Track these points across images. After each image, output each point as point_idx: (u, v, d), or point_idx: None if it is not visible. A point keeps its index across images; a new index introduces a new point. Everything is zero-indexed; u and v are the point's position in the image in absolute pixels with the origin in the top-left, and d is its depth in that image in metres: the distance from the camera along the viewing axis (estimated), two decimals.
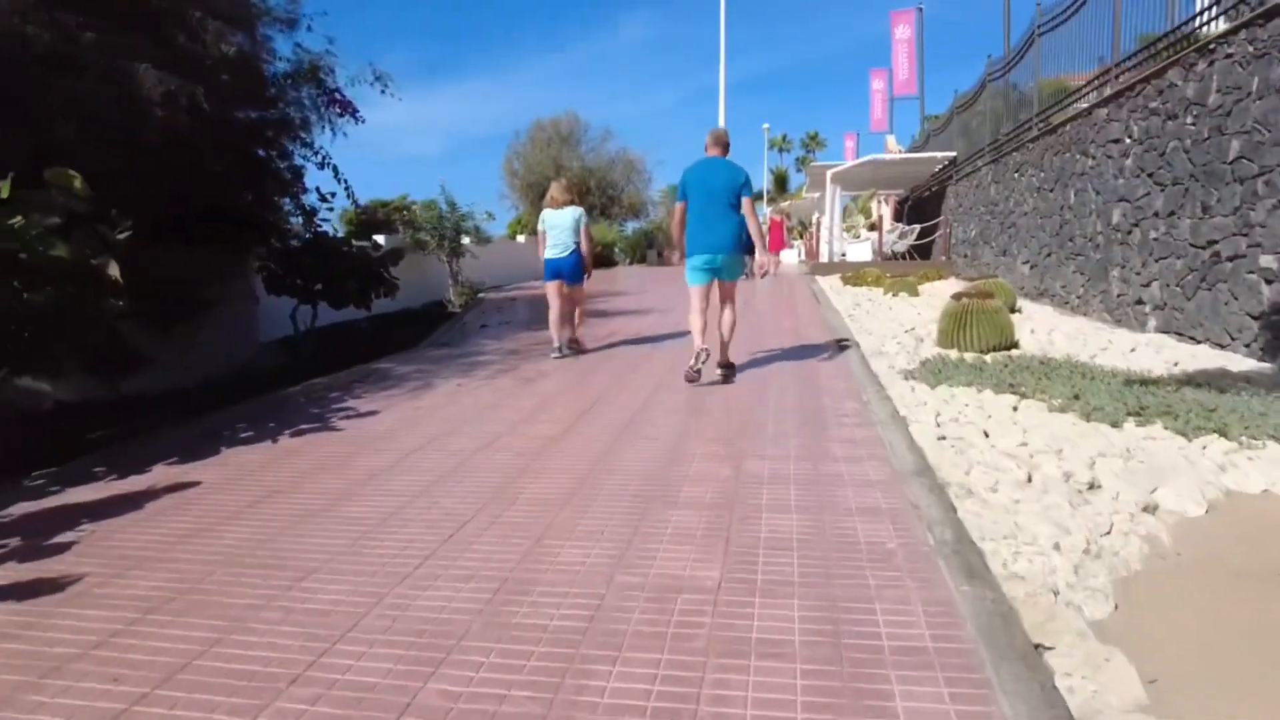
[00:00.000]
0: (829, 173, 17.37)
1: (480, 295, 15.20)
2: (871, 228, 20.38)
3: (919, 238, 18.12)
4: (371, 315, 12.39)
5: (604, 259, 26.55)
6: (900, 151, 19.83)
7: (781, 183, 71.24)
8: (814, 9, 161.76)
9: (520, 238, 22.52)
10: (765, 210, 38.29)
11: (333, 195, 9.34)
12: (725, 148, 5.61)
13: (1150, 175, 7.52)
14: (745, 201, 5.37)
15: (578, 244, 6.89)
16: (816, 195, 23.41)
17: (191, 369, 7.53)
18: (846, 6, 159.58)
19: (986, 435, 4.00)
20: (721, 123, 15.06)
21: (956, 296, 7.09)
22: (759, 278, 6.41)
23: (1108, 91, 8.66)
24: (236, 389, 6.73)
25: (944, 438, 3.94)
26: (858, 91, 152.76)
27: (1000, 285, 9.14)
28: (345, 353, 8.81)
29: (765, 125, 42.14)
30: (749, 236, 5.57)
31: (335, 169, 9.40)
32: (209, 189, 6.84)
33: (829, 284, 14.51)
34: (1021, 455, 3.60)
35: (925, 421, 4.23)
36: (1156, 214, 7.36)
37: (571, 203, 6.95)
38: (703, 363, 5.49)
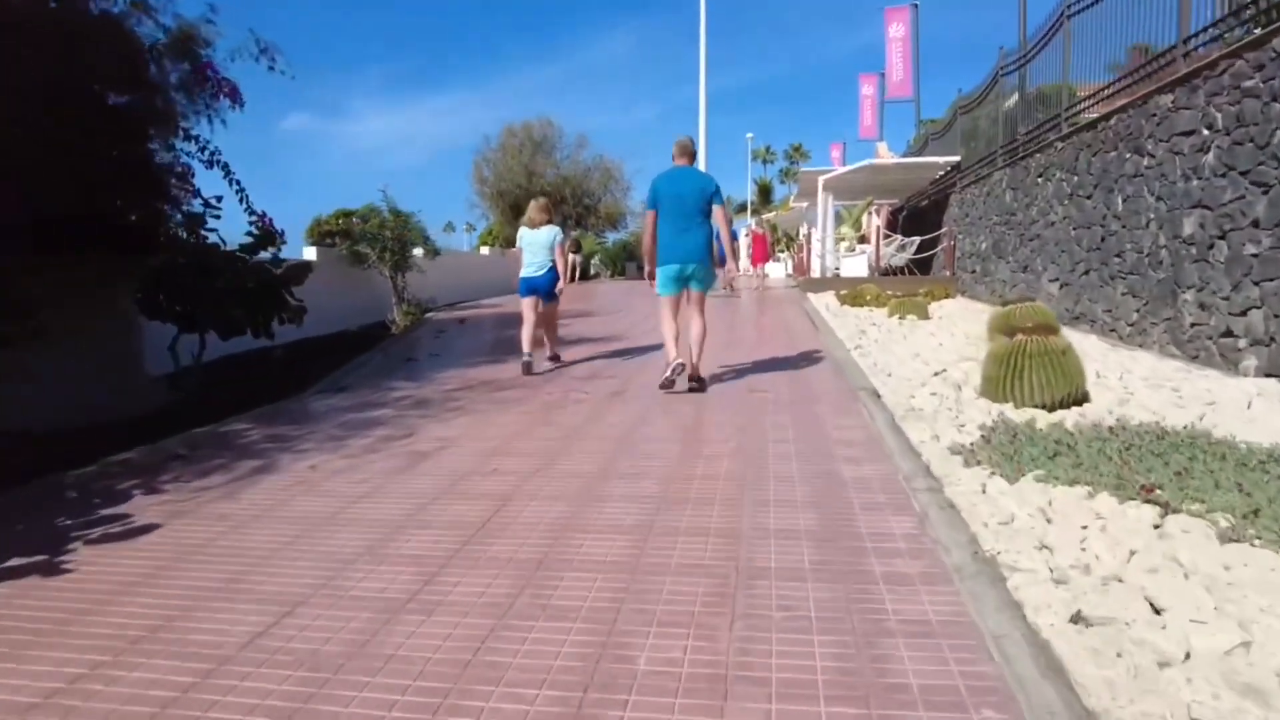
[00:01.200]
0: (821, 179, 15.77)
1: (428, 314, 13.36)
2: (862, 240, 18.82)
3: (918, 251, 16.54)
4: (296, 341, 10.65)
5: (580, 271, 24.79)
6: (894, 158, 18.29)
7: (765, 194, 69.92)
8: (796, 21, 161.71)
9: (484, 249, 20.69)
10: (749, 223, 36.72)
11: (219, 200, 7.49)
12: (692, 156, 5.58)
13: (1244, 174, 5.87)
14: (716, 210, 5.36)
15: (553, 262, 7.00)
16: (805, 205, 21.84)
17: (34, 410, 5.74)
18: (830, 18, 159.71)
19: (1157, 611, 2.25)
20: (702, 135, 13.41)
21: (1007, 330, 5.38)
22: (729, 286, 6.51)
23: (1172, 75, 7.04)
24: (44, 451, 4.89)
25: (1083, 619, 2.20)
26: (841, 103, 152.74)
27: (1039, 311, 7.47)
28: (240, 392, 7.04)
29: (749, 134, 40.72)
30: (720, 246, 5.69)
31: (226, 167, 7.58)
32: (62, 189, 5.23)
33: (824, 303, 12.83)
34: (1250, 674, 1.86)
35: (1034, 571, 2.49)
36: (1256, 223, 5.71)
37: (549, 222, 7.12)
38: (677, 374, 5.51)
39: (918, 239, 16.50)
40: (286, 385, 7.37)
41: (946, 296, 13.49)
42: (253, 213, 7.75)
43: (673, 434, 4.59)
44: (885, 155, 19.47)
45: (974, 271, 14.05)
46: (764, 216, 29.03)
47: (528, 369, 6.85)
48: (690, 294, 5.58)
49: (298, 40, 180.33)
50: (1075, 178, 9.28)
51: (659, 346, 6.41)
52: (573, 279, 22.14)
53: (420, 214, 13.20)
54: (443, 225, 68.59)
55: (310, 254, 12.40)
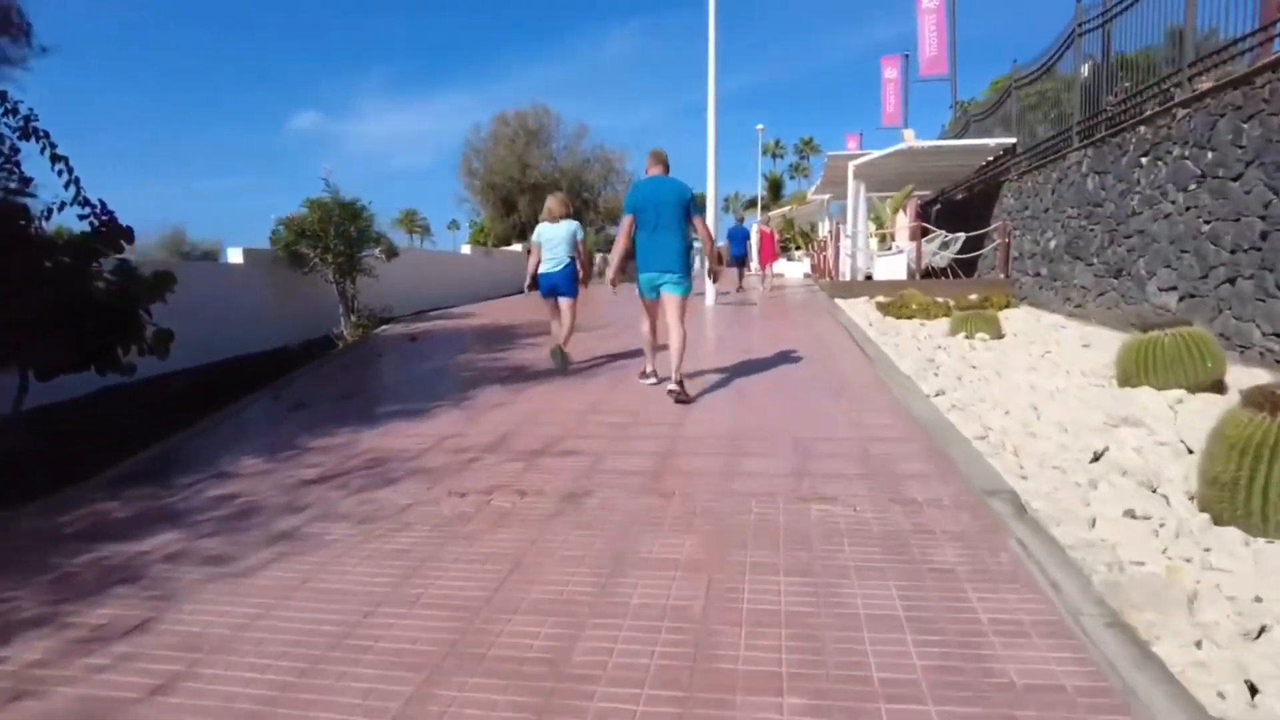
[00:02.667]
0: (852, 166, 13.46)
1: (383, 327, 11.14)
2: (883, 238, 16.54)
3: (961, 249, 14.23)
4: (214, 365, 8.55)
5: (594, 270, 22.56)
6: (929, 144, 15.91)
7: (776, 189, 67.54)
8: (805, 13, 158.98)
9: (466, 249, 18.46)
10: (755, 220, 34.42)
11: (30, 181, 5.29)
12: (666, 166, 5.59)
13: None
14: (697, 221, 5.45)
15: (572, 258, 6.77)
16: (826, 197, 19.52)
17: None
18: (842, 9, 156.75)
19: None
20: (711, 130, 11.40)
21: (1251, 401, 3.11)
22: (713, 283, 6.58)
23: None
24: None
25: None
26: (853, 97, 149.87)
27: (1200, 339, 5.19)
28: (81, 445, 4.90)
29: (760, 126, 38.31)
30: (695, 255, 5.74)
31: (47, 139, 5.37)
32: None
33: (861, 313, 10.54)
34: None
35: None
36: None
37: (567, 216, 6.87)
38: (652, 381, 5.70)
39: (962, 235, 14.18)
40: (96, 454, 5.09)
41: (1006, 305, 11.17)
42: (86, 203, 5.51)
43: (680, 628, 2.34)
44: (912, 143, 17.13)
45: (1038, 275, 11.72)
46: (780, 211, 26.83)
47: (562, 369, 6.75)
48: (667, 299, 5.43)
49: (305, 39, 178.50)
50: (1211, 154, 6.97)
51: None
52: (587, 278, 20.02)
53: (371, 204, 10.97)
54: (446, 224, 66.35)
55: (235, 256, 10.20)
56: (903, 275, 13.56)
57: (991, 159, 14.39)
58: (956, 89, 19.44)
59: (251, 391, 6.84)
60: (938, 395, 5.23)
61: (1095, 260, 9.57)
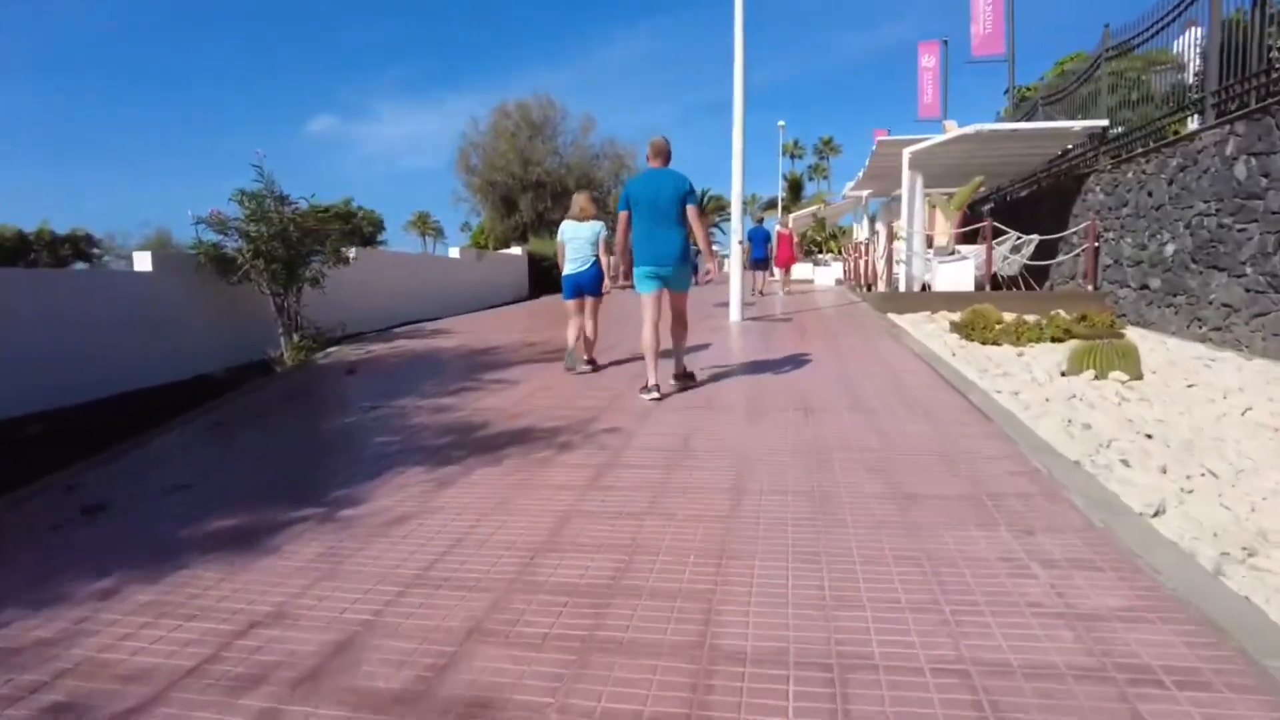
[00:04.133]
0: (906, 154, 11.19)
1: (333, 348, 9.02)
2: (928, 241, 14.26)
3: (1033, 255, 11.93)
4: (103, 401, 6.62)
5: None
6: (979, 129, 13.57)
7: (796, 189, 65.14)
8: (825, 13, 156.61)
9: (454, 251, 16.33)
10: (774, 222, 32.04)
11: None
12: (667, 158, 5.38)
13: None
14: (691, 210, 5.28)
15: (597, 257, 6.50)
16: (866, 194, 17.23)
17: None
18: (862, 8, 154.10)
19: None
20: (737, 131, 9.37)
21: None
22: (704, 282, 6.11)
23: None
24: None
25: None
26: (874, 97, 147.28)
27: None
28: None
29: (780, 123, 35.99)
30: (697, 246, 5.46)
31: None
32: None
33: (932, 335, 8.30)
34: None
35: None
36: None
37: (596, 217, 6.61)
38: (654, 395, 5.26)
39: (1035, 238, 11.87)
40: None
41: (1110, 327, 8.86)
42: None
43: None
44: (982, 127, 14.75)
45: (1145, 288, 9.42)
46: (808, 211, 24.54)
47: (571, 369, 6.60)
48: (671, 295, 5.41)
49: (322, 42, 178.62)
50: None
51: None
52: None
53: (314, 197, 8.86)
54: (460, 225, 64.73)
55: (143, 263, 8.12)
56: (969, 285, 11.26)
57: (1069, 148, 12.10)
58: (1014, 71, 17.09)
59: (89, 452, 4.74)
60: (1156, 515, 2.99)
61: (1248, 270, 7.26)
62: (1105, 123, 10.69)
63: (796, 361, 6.72)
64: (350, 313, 11.02)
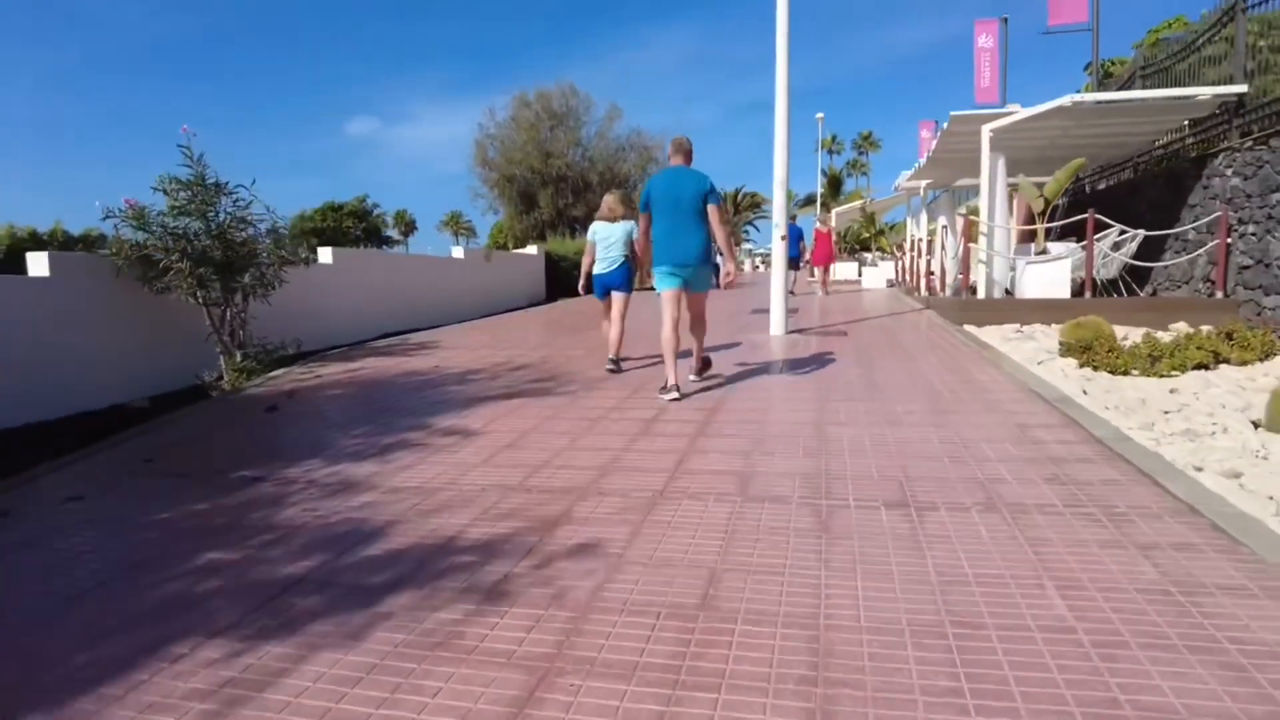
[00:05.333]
0: (987, 131, 9.17)
1: (283, 369, 7.36)
2: (1032, 236, 12.21)
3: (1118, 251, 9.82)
4: None
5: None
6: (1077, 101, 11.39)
7: (835, 185, 62.52)
8: (860, 7, 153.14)
9: (457, 251, 14.64)
10: (812, 220, 29.87)
11: None
12: (688, 155, 5.32)
13: None
14: (712, 210, 5.11)
15: (626, 256, 6.42)
16: (924, 184, 15.16)
17: None
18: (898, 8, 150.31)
19: None
20: (781, 103, 8.14)
21: None
22: (725, 286, 5.65)
23: None
24: None
25: None
26: (916, 91, 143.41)
27: None
28: None
29: (819, 115, 33.76)
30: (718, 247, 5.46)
31: None
32: None
33: (1036, 360, 6.34)
34: None
35: None
36: None
37: (626, 217, 6.54)
38: (674, 396, 5.06)
39: (1140, 233, 9.78)
40: None
41: (1267, 351, 6.76)
42: None
43: None
44: (1081, 96, 12.58)
45: None
46: (854, 205, 22.47)
47: (614, 371, 6.34)
48: (689, 296, 5.28)
49: (362, 46, 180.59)
50: None
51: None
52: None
53: (255, 184, 7.21)
54: (491, 224, 63.95)
55: (39, 266, 6.53)
56: (1063, 291, 9.21)
57: (1184, 124, 9.98)
58: (1099, 42, 14.84)
59: None
60: None
61: None
62: (1244, 88, 8.58)
63: (871, 405, 4.85)
64: (319, 324, 9.41)
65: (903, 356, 6.79)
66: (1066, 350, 6.58)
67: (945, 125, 9.65)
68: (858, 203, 24.18)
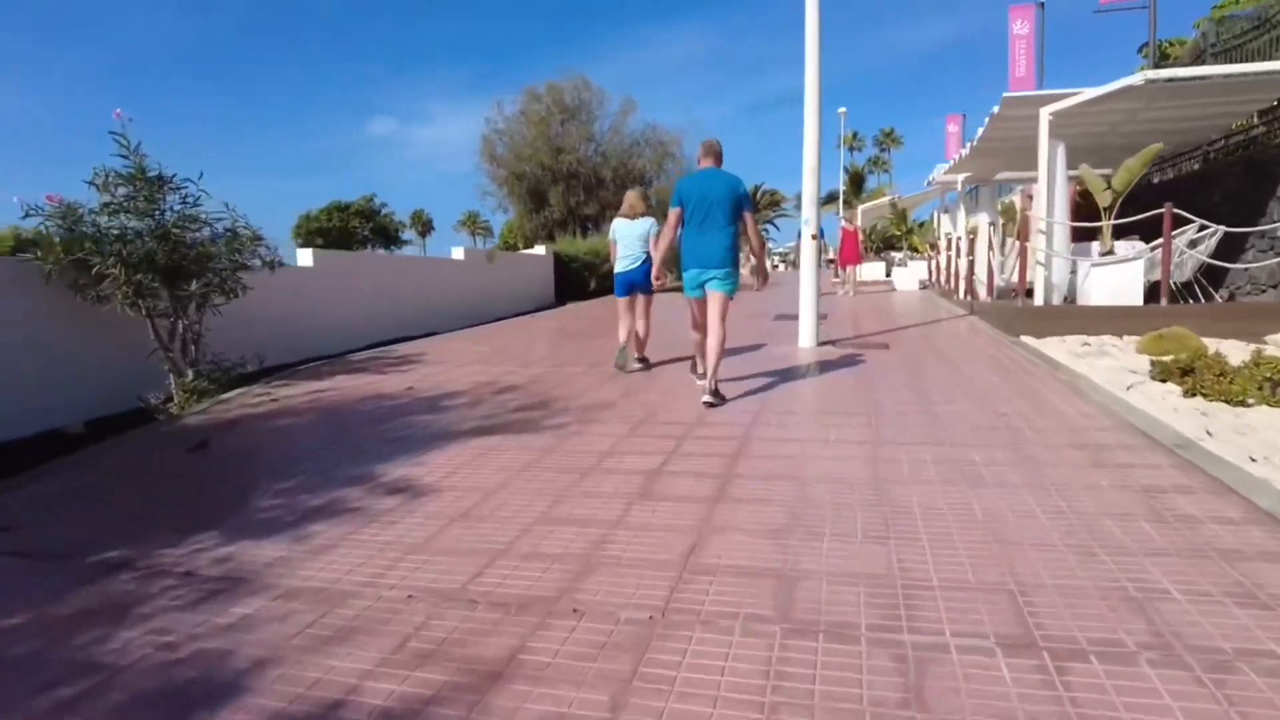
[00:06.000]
0: (1046, 115, 8.04)
1: (238, 391, 6.42)
2: (1097, 234, 11.07)
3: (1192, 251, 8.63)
4: None
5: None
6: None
7: (857, 183, 60.98)
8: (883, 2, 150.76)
9: (458, 251, 13.66)
10: (835, 218, 28.54)
11: None
12: (718, 157, 5.24)
13: None
14: (746, 216, 5.08)
15: (647, 254, 6.33)
16: (962, 177, 13.97)
17: None
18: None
19: None
20: (812, 105, 7.60)
21: None
22: (759, 289, 5.76)
23: None
24: None
25: None
26: (938, 87, 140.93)
27: None
28: None
29: (841, 110, 32.54)
30: (739, 250, 5.22)
31: None
32: None
33: (1126, 385, 5.23)
34: None
35: None
36: None
37: (646, 214, 6.50)
38: (710, 395, 4.92)
39: (1220, 230, 8.59)
40: None
41: None
42: None
43: None
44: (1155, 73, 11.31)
45: None
46: (882, 201, 21.26)
47: (622, 368, 6.46)
48: (711, 295, 5.08)
49: (379, 46, 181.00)
50: None
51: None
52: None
53: (202, 178, 6.27)
54: (501, 223, 63.08)
55: None
56: (1134, 297, 8.06)
57: (1275, 103, 8.78)
58: (1155, 21, 13.54)
59: None
60: None
61: None
62: None
63: (939, 451, 3.79)
64: (296, 334, 8.49)
65: (960, 378, 5.71)
66: (1162, 372, 5.46)
67: (995, 110, 8.52)
68: (884, 199, 22.91)
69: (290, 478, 3.81)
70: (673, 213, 5.18)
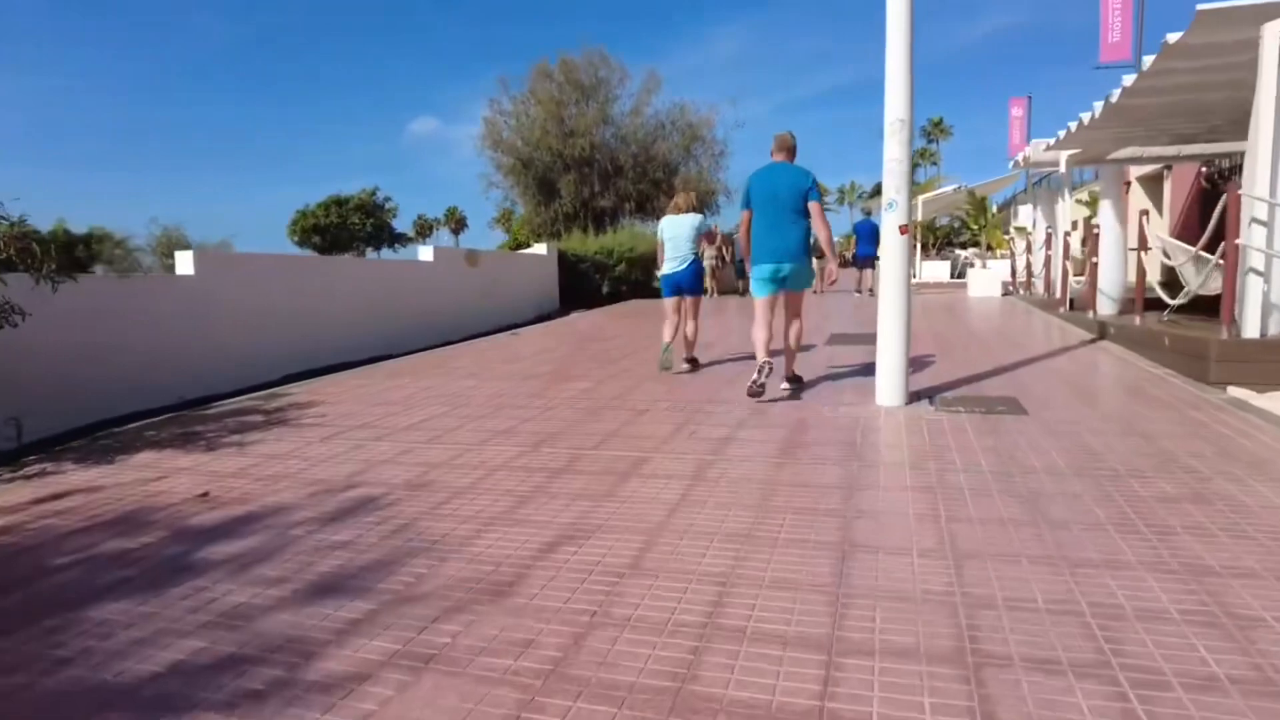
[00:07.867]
0: (1273, 32, 5.18)
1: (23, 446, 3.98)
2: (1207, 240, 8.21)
3: None
4: None
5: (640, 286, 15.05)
6: None
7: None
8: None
9: (426, 252, 11.11)
10: (874, 215, 25.54)
11: None
12: (791, 152, 5.20)
13: None
14: (813, 206, 5.02)
15: (696, 254, 6.35)
16: (1066, 155, 10.98)
17: None
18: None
19: None
20: (899, 42, 3.54)
21: None
22: (827, 286, 5.52)
23: None
24: None
25: None
26: (989, 80, 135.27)
27: None
28: None
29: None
30: (817, 242, 5.40)
31: None
32: None
33: None
34: None
35: None
36: None
37: (693, 208, 6.40)
38: (766, 376, 4.96)
39: None
40: None
41: None
42: None
43: None
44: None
45: None
46: (956, 187, 18.23)
47: (667, 368, 6.26)
48: (788, 295, 5.19)
49: (423, 47, 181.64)
50: None
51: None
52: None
53: None
54: (496, 218, 59.97)
55: None
56: None
57: None
58: None
59: None
60: None
61: None
62: None
63: None
64: (157, 372, 6.04)
65: (1189, 493, 2.95)
66: None
67: (1170, 39, 5.65)
68: (951, 187, 19.76)
69: None
70: (743, 215, 5.21)
